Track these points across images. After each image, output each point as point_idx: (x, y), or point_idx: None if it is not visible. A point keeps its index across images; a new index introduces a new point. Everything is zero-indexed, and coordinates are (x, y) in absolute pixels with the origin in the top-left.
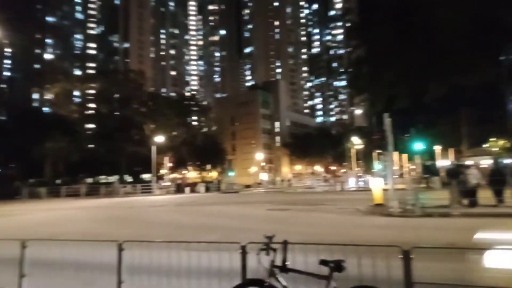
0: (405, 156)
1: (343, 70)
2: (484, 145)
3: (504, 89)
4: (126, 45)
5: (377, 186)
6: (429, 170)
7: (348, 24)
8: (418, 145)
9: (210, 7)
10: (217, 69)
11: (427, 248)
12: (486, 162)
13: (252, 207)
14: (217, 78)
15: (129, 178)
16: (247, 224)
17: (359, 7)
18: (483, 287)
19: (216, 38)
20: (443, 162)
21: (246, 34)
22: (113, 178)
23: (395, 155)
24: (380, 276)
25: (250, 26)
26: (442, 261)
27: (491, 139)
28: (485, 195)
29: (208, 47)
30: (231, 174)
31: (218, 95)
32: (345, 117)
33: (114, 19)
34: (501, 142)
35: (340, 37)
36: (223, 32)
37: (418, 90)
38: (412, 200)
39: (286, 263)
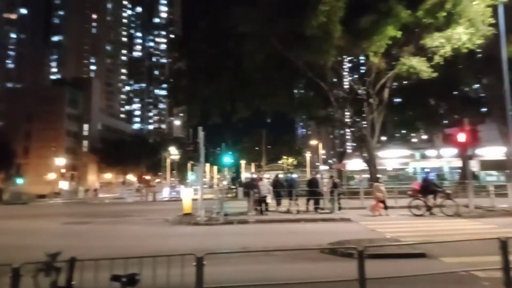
0: (215, 168)
1: (164, 79)
2: (279, 161)
3: (295, 116)
4: None
5: (187, 196)
6: (236, 181)
7: (171, 36)
8: (227, 159)
9: None
10: (12, 53)
11: (220, 253)
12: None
13: (44, 221)
14: (10, 64)
15: None
16: (33, 241)
17: (183, 21)
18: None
19: (13, 16)
20: (246, 175)
21: (56, 21)
22: None
23: (207, 166)
24: (173, 285)
25: (61, 13)
26: (237, 265)
27: (284, 157)
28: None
29: (2, 25)
30: (19, 181)
31: (10, 85)
32: (163, 126)
33: None
34: (290, 160)
35: (163, 46)
36: (24, 11)
37: (228, 109)
38: (217, 209)
39: (72, 283)
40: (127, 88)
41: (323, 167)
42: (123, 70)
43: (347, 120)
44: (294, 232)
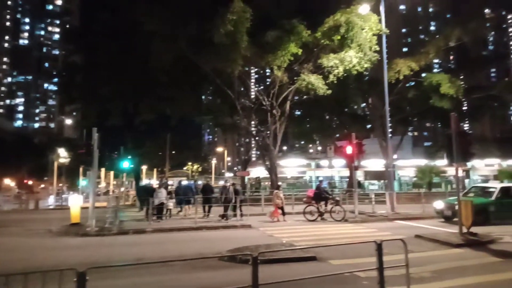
0: (112, 174)
1: (56, 73)
2: (184, 168)
3: (201, 121)
4: None
5: (75, 204)
6: (138, 189)
7: (67, 26)
8: (126, 164)
9: None
10: None
11: (109, 266)
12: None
13: None
14: None
15: None
16: None
17: (81, 12)
18: None
19: None
20: (148, 181)
21: None
22: None
23: (102, 172)
24: None
25: None
26: (129, 277)
27: (189, 163)
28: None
29: None
30: None
31: None
32: (52, 125)
33: None
34: (196, 166)
35: (57, 36)
36: None
37: (130, 110)
38: (110, 218)
39: None
40: (9, 79)
41: (228, 174)
42: (5, 59)
43: (252, 129)
44: (195, 240)
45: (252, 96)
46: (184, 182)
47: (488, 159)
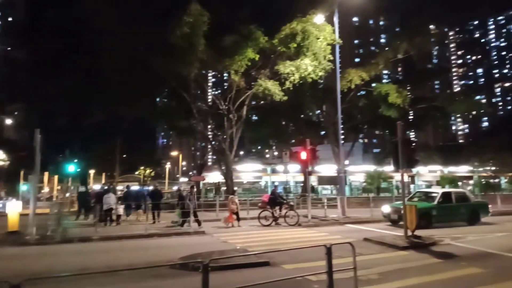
0: (56, 178)
1: None
2: (135, 172)
3: (156, 124)
4: None
5: (13, 210)
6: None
7: (9, 19)
8: (71, 167)
9: None
10: None
11: (44, 278)
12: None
13: None
14: None
15: None
16: None
17: (26, 4)
18: None
19: None
20: (96, 186)
21: None
22: None
23: (46, 176)
24: None
25: None
26: None
27: (141, 167)
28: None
29: None
30: None
31: None
32: None
33: None
34: (148, 171)
35: None
36: None
37: (78, 111)
38: (53, 225)
39: None
40: None
41: (183, 179)
42: None
43: (208, 133)
44: (145, 248)
45: (209, 100)
46: (135, 187)
47: (432, 165)
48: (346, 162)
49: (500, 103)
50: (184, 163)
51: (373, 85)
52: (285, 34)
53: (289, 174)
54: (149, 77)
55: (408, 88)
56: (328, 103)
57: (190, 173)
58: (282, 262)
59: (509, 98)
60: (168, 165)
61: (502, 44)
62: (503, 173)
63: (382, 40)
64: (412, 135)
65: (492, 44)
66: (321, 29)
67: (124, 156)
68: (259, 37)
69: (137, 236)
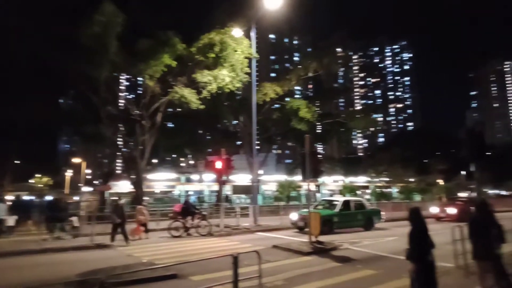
0: None
1: None
2: (30, 180)
3: (58, 129)
4: None
5: None
6: None
7: None
8: None
9: None
10: None
11: None
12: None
13: None
14: None
15: None
16: None
17: None
18: None
19: None
20: None
21: None
22: None
23: None
24: None
25: None
26: None
27: (37, 175)
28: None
29: None
30: None
31: None
32: None
33: None
34: (45, 179)
35: None
36: None
37: None
38: None
39: None
40: None
41: (86, 188)
42: None
43: (118, 139)
44: (38, 265)
45: (121, 105)
46: (28, 197)
47: (335, 176)
48: (260, 172)
49: (394, 122)
50: (89, 171)
51: (287, 99)
52: (204, 44)
53: (203, 183)
54: (52, 77)
55: (317, 104)
56: (244, 114)
57: (95, 182)
58: (191, 273)
59: (401, 117)
60: (69, 173)
61: (396, 70)
62: (395, 183)
63: (296, 58)
64: (319, 147)
65: (388, 69)
66: (239, 43)
67: (18, 162)
68: (177, 44)
69: (28, 252)
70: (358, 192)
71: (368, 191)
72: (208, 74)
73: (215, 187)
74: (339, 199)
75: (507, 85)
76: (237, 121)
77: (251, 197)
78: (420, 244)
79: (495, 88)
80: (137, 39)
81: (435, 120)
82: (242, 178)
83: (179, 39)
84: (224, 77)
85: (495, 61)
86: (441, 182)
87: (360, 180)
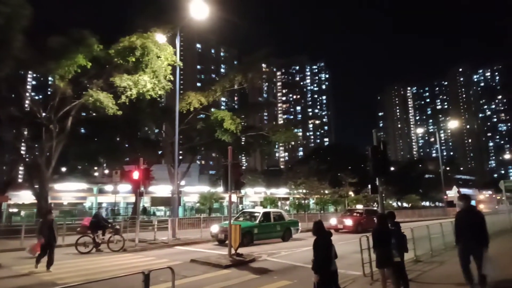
0: None
1: None
2: None
3: None
4: None
5: None
6: None
7: None
8: None
9: None
10: None
11: None
12: None
13: None
14: None
15: None
16: None
17: None
18: None
19: None
20: None
21: None
22: None
23: None
24: None
25: None
26: None
27: None
28: None
29: None
30: None
31: None
32: None
33: None
34: None
35: None
36: None
37: None
38: None
39: None
40: None
41: None
42: None
43: (20, 145)
44: None
45: (25, 106)
46: None
47: (258, 187)
48: (183, 182)
49: (312, 137)
50: None
51: (212, 110)
52: (123, 47)
53: (119, 194)
54: None
55: (242, 116)
56: (167, 123)
57: None
58: None
59: (318, 133)
60: None
61: (315, 89)
62: (312, 195)
63: (222, 70)
64: (243, 159)
65: (308, 88)
66: (162, 49)
67: None
68: (93, 44)
69: None
70: (279, 203)
71: (288, 202)
72: (127, 78)
73: (132, 198)
74: (259, 210)
75: (409, 109)
76: (159, 130)
77: (172, 209)
78: (323, 256)
79: (399, 111)
80: (47, 34)
81: (347, 136)
82: (162, 189)
83: (96, 39)
84: (145, 83)
85: (399, 86)
86: (352, 194)
87: (281, 191)
